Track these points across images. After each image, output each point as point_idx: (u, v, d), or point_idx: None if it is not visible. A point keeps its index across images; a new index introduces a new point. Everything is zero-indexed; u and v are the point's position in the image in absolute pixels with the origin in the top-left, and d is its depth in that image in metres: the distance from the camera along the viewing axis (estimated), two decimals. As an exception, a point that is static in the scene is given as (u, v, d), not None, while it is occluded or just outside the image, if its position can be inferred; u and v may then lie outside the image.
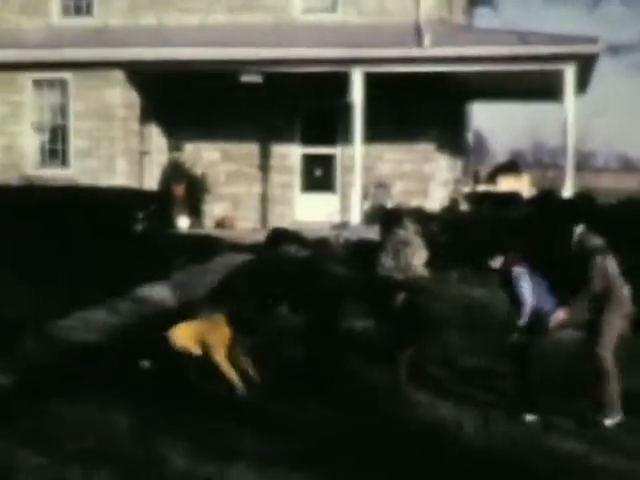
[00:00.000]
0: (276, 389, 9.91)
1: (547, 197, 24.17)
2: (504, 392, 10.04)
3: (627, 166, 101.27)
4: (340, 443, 8.43)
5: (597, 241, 9.57)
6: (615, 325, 9.39)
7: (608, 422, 9.21)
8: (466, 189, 29.20)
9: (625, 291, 9.53)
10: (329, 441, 8.49)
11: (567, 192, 21.40)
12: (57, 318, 12.62)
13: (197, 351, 10.05)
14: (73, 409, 9.11)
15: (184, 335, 10.13)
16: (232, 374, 9.95)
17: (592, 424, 9.20)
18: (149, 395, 9.53)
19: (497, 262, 9.85)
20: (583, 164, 52.31)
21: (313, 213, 24.06)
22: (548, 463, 8.10)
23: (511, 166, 43.69)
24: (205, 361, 9.98)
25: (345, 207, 23.20)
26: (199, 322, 10.47)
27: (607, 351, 9.32)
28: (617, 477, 7.85)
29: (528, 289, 9.55)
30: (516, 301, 9.62)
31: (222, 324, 10.19)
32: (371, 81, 21.54)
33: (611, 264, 9.50)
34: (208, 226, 24.58)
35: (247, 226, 24.40)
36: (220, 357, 10.01)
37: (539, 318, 9.55)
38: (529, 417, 9.42)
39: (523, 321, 9.53)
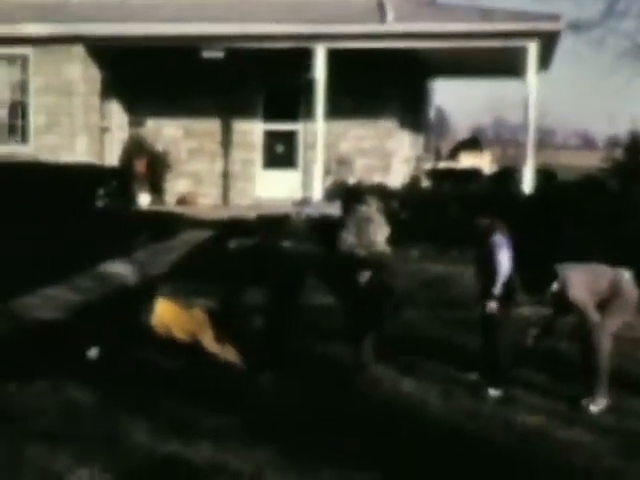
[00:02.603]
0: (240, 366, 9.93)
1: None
2: (467, 367, 10.10)
3: (587, 143, 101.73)
4: (304, 419, 8.44)
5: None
6: (618, 313, 9.24)
7: (593, 408, 9.05)
8: (427, 166, 29.28)
9: (626, 276, 9.35)
10: (293, 417, 8.50)
11: (528, 169, 21.50)
12: (17, 295, 12.52)
13: (181, 336, 10.06)
14: (33, 386, 9.05)
15: (168, 318, 10.12)
16: (227, 354, 9.97)
17: (574, 405, 9.14)
18: (110, 373, 9.51)
19: (484, 222, 9.84)
20: (544, 141, 52.44)
21: (275, 189, 24.04)
22: (509, 437, 8.16)
23: (472, 143, 43.65)
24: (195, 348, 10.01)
25: (307, 183, 23.20)
26: (179, 309, 10.39)
27: (604, 339, 9.15)
28: (579, 449, 7.92)
29: (507, 259, 9.55)
30: (491, 269, 9.61)
31: (201, 317, 10.25)
32: (334, 57, 21.48)
33: (584, 280, 9.25)
34: (169, 203, 24.49)
35: (208, 203, 24.35)
36: (209, 342, 10.03)
37: (510, 291, 9.59)
38: (493, 392, 9.45)
39: (498, 290, 9.55)
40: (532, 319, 11.11)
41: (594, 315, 9.11)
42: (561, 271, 9.26)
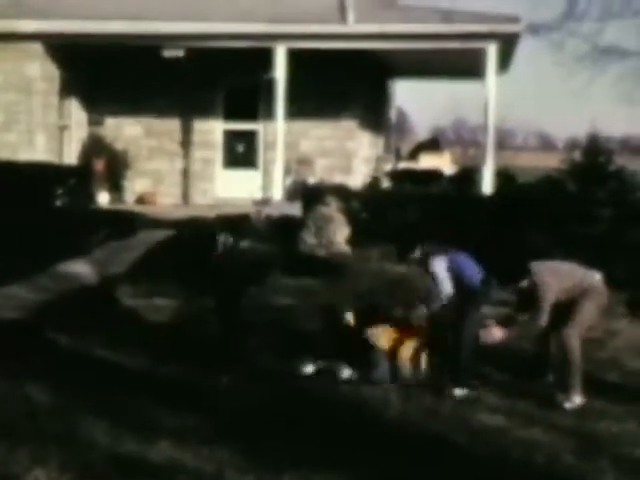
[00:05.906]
0: (193, 366, 9.92)
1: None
2: (433, 367, 10.15)
3: (546, 145, 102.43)
4: (263, 420, 8.43)
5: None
6: (590, 313, 9.36)
7: (569, 405, 9.14)
8: (388, 166, 29.32)
9: (597, 276, 9.48)
10: (252, 417, 8.49)
11: (488, 170, 21.60)
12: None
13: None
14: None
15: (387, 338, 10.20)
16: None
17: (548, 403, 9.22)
18: (68, 373, 9.46)
19: (417, 253, 9.93)
20: (503, 142, 52.80)
21: (235, 189, 24.00)
22: (468, 436, 8.18)
23: (432, 143, 43.71)
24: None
25: (267, 183, 23.17)
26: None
27: (575, 336, 9.26)
28: (537, 448, 7.95)
29: (445, 279, 9.62)
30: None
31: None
32: (294, 57, 21.47)
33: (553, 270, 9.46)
34: (129, 202, 24.37)
35: (168, 202, 24.26)
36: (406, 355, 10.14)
37: (473, 295, 9.64)
38: (459, 392, 9.48)
39: (437, 305, 9.69)
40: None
41: (546, 308, 9.17)
42: (534, 267, 9.35)
